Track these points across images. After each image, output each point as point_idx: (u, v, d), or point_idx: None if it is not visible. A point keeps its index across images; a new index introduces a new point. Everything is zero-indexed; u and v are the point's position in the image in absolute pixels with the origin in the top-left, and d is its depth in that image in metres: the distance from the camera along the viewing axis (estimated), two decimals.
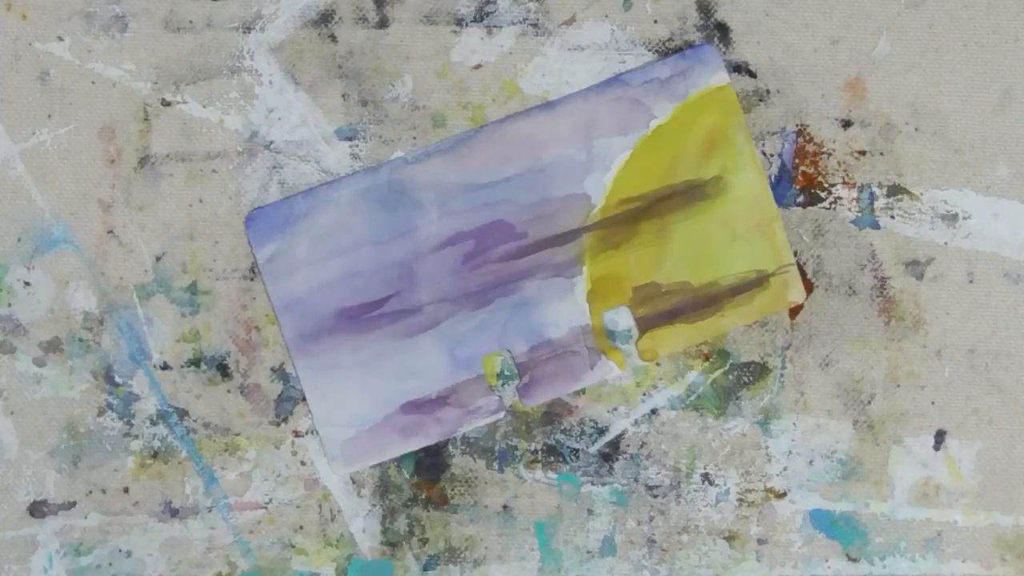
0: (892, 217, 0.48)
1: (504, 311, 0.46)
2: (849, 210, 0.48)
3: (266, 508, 0.49)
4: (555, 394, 0.47)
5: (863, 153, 0.48)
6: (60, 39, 0.48)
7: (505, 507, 0.49)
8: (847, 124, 0.48)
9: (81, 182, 0.48)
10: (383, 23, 0.48)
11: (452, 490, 0.49)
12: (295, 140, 0.48)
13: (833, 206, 0.48)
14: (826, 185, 0.48)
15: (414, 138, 0.48)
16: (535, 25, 0.48)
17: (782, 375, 0.49)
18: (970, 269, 0.48)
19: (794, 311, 0.49)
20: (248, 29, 0.48)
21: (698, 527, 0.49)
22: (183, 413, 0.48)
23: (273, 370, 0.48)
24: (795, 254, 0.48)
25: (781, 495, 0.49)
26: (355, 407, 0.46)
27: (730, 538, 0.49)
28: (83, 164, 0.48)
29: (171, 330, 0.48)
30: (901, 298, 0.49)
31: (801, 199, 0.48)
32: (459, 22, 0.48)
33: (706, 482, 0.49)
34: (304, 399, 0.48)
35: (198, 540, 0.49)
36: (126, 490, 0.48)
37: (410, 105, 0.48)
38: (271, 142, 0.48)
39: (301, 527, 0.49)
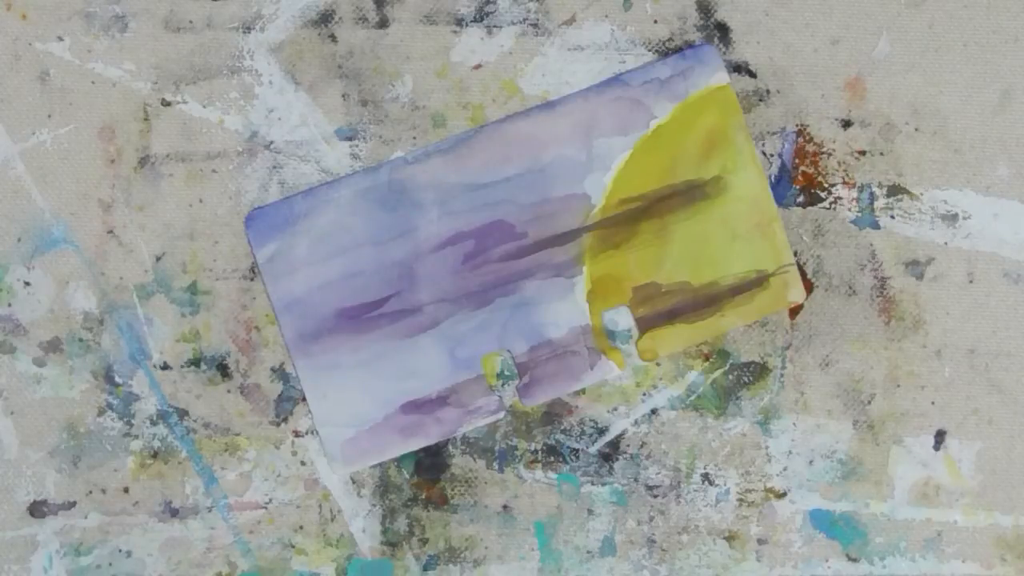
0: (892, 217, 0.48)
1: (504, 311, 0.46)
2: (849, 210, 0.48)
3: (266, 508, 0.49)
4: (555, 394, 0.47)
5: (863, 153, 0.48)
6: (60, 39, 0.48)
7: (505, 507, 0.49)
8: (847, 124, 0.48)
9: (81, 182, 0.48)
10: (383, 23, 0.48)
11: (452, 490, 0.49)
12: (295, 140, 0.48)
13: (833, 206, 0.48)
14: (826, 185, 0.48)
15: (414, 138, 0.48)
16: (535, 25, 0.48)
17: (782, 375, 0.49)
18: (970, 269, 0.48)
19: (794, 311, 0.49)
20: (248, 29, 0.48)
21: (698, 527, 0.49)
22: (183, 413, 0.48)
23: (273, 370, 0.48)
24: (795, 254, 0.48)
25: (781, 495, 0.49)
26: (355, 407, 0.46)
27: (730, 538, 0.49)
28: (83, 164, 0.48)
29: (171, 330, 0.48)
30: (901, 298, 0.49)
31: (801, 199, 0.48)
32: (459, 22, 0.48)
33: (706, 482, 0.49)
34: (304, 399, 0.48)
35: (198, 540, 0.49)
36: (126, 490, 0.48)
37: (410, 105, 0.48)
38: (271, 142, 0.48)
39: (301, 527, 0.49)
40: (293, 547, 0.49)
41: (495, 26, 0.48)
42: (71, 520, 0.48)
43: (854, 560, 0.49)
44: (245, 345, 0.48)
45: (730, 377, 0.49)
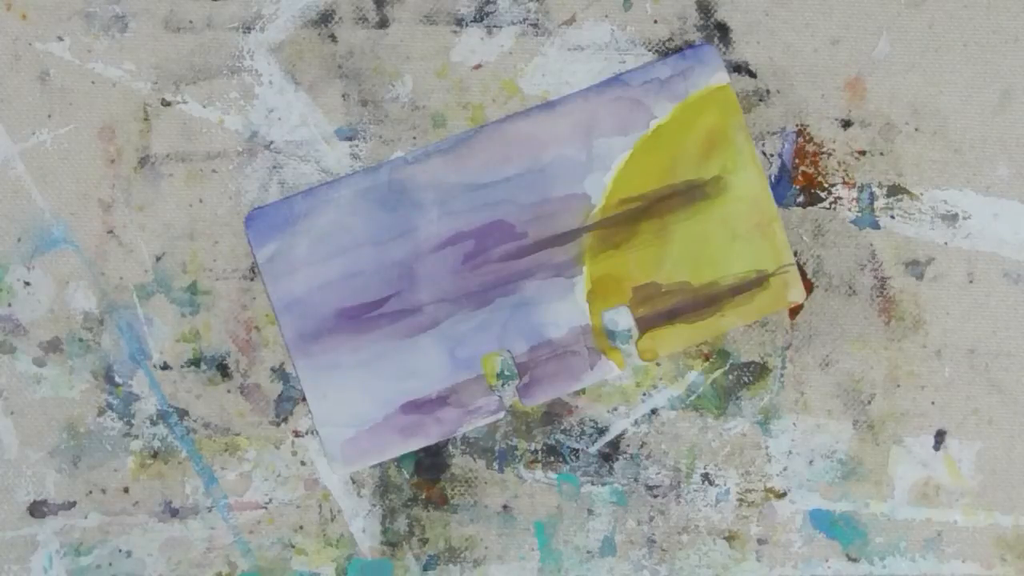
0: (892, 217, 0.48)
1: (504, 311, 0.46)
2: (849, 210, 0.48)
3: (266, 508, 0.49)
4: (555, 394, 0.47)
5: (863, 153, 0.48)
6: (60, 39, 0.48)
7: (505, 507, 0.49)
8: (847, 124, 0.48)
9: (81, 182, 0.48)
10: (383, 23, 0.48)
11: (452, 490, 0.49)
12: (295, 140, 0.48)
13: (833, 206, 0.48)
14: (826, 185, 0.48)
15: (414, 138, 0.48)
16: (535, 25, 0.48)
17: (782, 375, 0.49)
18: (970, 269, 0.48)
19: (794, 311, 0.49)
20: (248, 29, 0.48)
21: (698, 527, 0.49)
22: (183, 413, 0.48)
23: (273, 370, 0.48)
24: (795, 254, 0.48)
25: (781, 495, 0.49)
26: (355, 407, 0.46)
27: (730, 538, 0.49)
28: (83, 164, 0.48)
29: (171, 330, 0.48)
30: (901, 298, 0.49)
31: (801, 199, 0.48)
32: (459, 22, 0.48)
33: (706, 482, 0.49)
34: (304, 399, 0.48)
35: (198, 540, 0.49)
36: (126, 490, 0.48)
37: (410, 105, 0.48)
38: (271, 142, 0.48)
39: (301, 527, 0.49)
40: (293, 547, 0.49)
41: (495, 26, 0.48)
42: (71, 520, 0.48)
43: (854, 560, 0.49)
44: (245, 345, 0.48)
45: (730, 377, 0.49)
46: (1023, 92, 0.48)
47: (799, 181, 0.48)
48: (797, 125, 0.48)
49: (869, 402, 0.49)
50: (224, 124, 0.48)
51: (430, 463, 0.49)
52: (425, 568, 0.49)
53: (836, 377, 0.49)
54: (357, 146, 0.48)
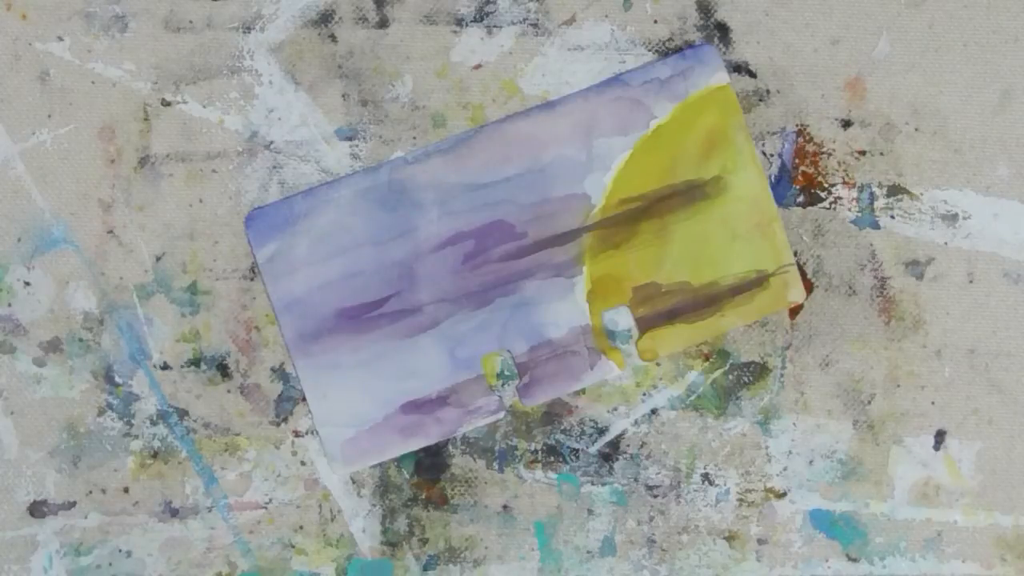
0: (892, 217, 0.48)
1: (504, 311, 0.46)
2: (849, 210, 0.48)
3: (266, 508, 0.49)
4: (555, 394, 0.47)
5: (863, 153, 0.48)
6: (60, 39, 0.48)
7: (505, 507, 0.49)
8: (847, 124, 0.48)
9: (81, 182, 0.48)
10: (383, 23, 0.48)
11: (452, 490, 0.49)
12: (295, 140, 0.48)
13: (833, 206, 0.48)
14: (826, 185, 0.48)
15: (414, 138, 0.48)
16: (535, 25, 0.48)
17: (782, 375, 0.49)
18: (970, 269, 0.48)
19: (794, 311, 0.49)
20: (248, 29, 0.48)
21: (698, 527, 0.49)
22: (183, 413, 0.48)
23: (273, 370, 0.48)
24: (795, 254, 0.48)
25: (781, 495, 0.49)
26: (355, 407, 0.46)
27: (730, 538, 0.49)
28: (83, 164, 0.48)
29: (171, 330, 0.48)
30: (901, 298, 0.49)
31: (801, 199, 0.48)
32: (459, 22, 0.48)
33: (706, 482, 0.49)
34: (304, 399, 0.48)
35: (198, 540, 0.49)
36: (126, 490, 0.48)
37: (410, 105, 0.48)
38: (271, 142, 0.48)
39: (301, 527, 0.49)
40: (293, 547, 0.49)
41: (495, 26, 0.48)
42: (71, 520, 0.48)
43: (854, 560, 0.49)
44: (245, 345, 0.48)
45: (730, 377, 0.49)
46: (1023, 92, 0.48)
47: (799, 181, 0.48)
48: (797, 125, 0.48)
49: (869, 402, 0.49)
50: (224, 124, 0.48)
51: (430, 463, 0.49)
52: (425, 568, 0.49)
53: (836, 377, 0.49)
54: (357, 146, 0.48)
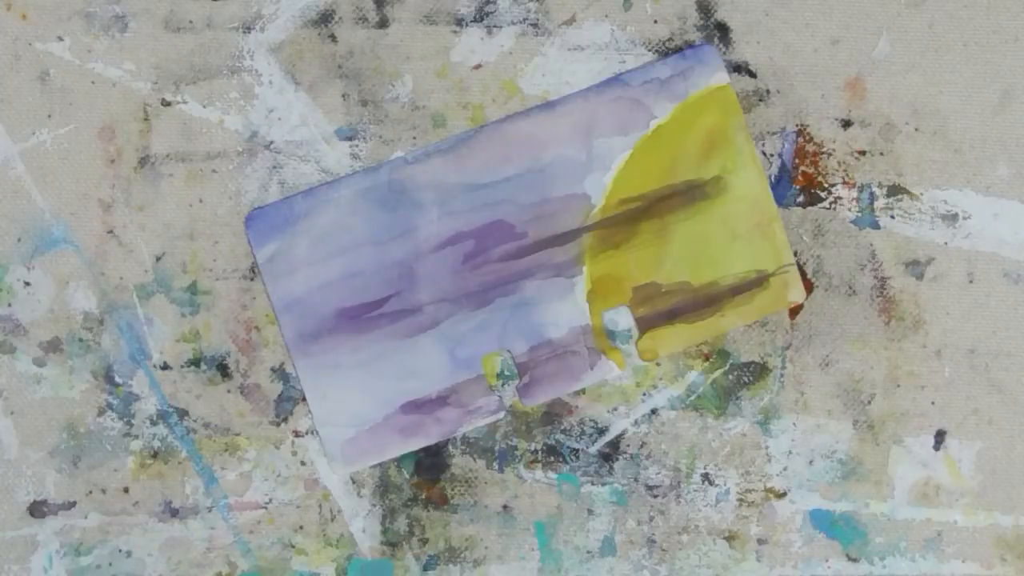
0: (892, 217, 0.48)
1: (504, 311, 0.46)
2: (849, 210, 0.48)
3: (266, 508, 0.49)
4: (555, 394, 0.47)
5: (863, 153, 0.48)
6: (60, 39, 0.48)
7: (505, 507, 0.49)
8: (847, 124, 0.48)
9: (81, 182, 0.48)
10: (383, 23, 0.48)
11: (452, 490, 0.49)
12: (295, 140, 0.48)
13: (833, 206, 0.48)
14: (826, 185, 0.48)
15: (414, 138, 0.48)
16: (535, 25, 0.48)
17: (782, 375, 0.49)
18: (970, 269, 0.48)
19: (794, 311, 0.49)
20: (248, 29, 0.48)
21: (698, 527, 0.49)
22: (183, 413, 0.48)
23: (273, 370, 0.48)
24: (795, 254, 0.48)
25: (781, 495, 0.49)
26: (355, 407, 0.46)
27: (730, 538, 0.49)
28: (83, 164, 0.48)
29: (171, 330, 0.48)
30: (901, 298, 0.49)
31: (801, 199, 0.48)
32: (459, 22, 0.48)
33: (706, 482, 0.49)
34: (304, 399, 0.48)
35: (198, 540, 0.49)
36: (126, 490, 0.48)
37: (410, 105, 0.48)
38: (271, 142, 0.48)
39: (301, 527, 0.49)
40: (293, 547, 0.49)
41: (495, 26, 0.48)
42: (71, 520, 0.48)
43: (854, 560, 0.49)
44: (245, 345, 0.48)
45: (730, 377, 0.49)
46: (1023, 92, 0.48)
47: (799, 181, 0.48)
48: (797, 125, 0.48)
49: (869, 402, 0.49)
50: (224, 124, 0.48)
51: (430, 463, 0.49)
52: (425, 568, 0.49)
53: (836, 377, 0.49)
54: (357, 146, 0.48)
